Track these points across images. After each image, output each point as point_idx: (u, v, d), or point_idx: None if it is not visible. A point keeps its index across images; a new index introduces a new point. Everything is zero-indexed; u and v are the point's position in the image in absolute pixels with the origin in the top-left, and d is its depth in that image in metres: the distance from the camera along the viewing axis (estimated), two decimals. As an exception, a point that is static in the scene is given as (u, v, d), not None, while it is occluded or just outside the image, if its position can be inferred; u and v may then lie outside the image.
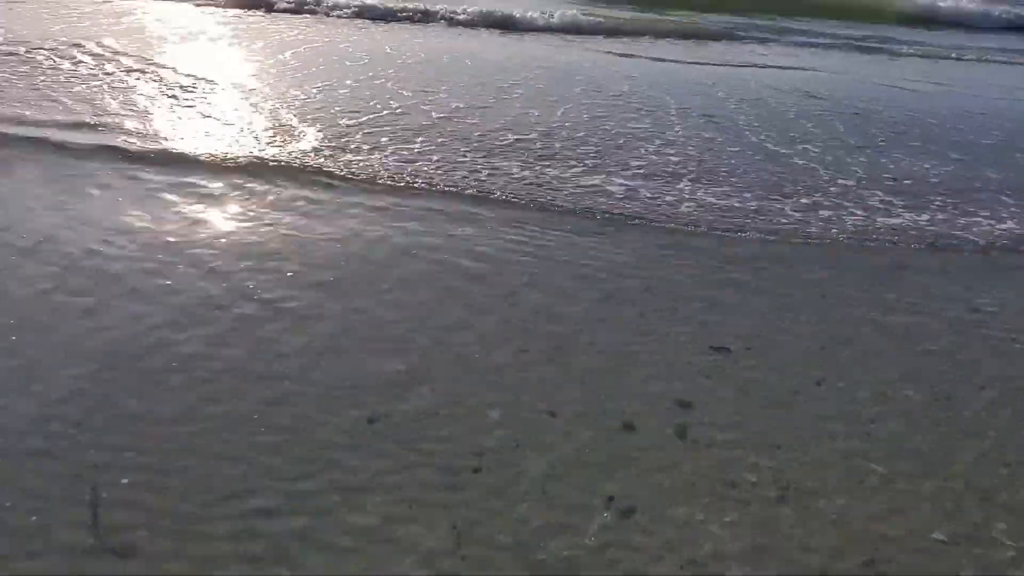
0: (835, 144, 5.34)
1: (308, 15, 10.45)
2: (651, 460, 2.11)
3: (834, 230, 3.81)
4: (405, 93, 5.94)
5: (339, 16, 10.55)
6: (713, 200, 4.09)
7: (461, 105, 5.68)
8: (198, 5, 10.52)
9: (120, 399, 2.22)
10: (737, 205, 4.04)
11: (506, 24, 10.71)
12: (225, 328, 2.60)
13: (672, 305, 2.95)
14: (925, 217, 4.06)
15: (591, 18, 11.24)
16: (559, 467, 2.06)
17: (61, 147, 4.21)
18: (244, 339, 2.55)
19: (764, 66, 8.88)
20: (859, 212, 4.06)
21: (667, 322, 2.83)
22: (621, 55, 9.03)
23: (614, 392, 2.41)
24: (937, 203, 4.28)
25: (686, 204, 4.01)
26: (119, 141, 4.34)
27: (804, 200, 4.17)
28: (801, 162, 4.86)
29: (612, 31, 10.84)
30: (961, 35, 13.32)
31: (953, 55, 10.97)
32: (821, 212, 4.02)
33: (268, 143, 4.52)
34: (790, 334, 2.79)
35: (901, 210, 4.13)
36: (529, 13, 11.33)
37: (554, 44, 9.66)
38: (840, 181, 4.53)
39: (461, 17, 10.86)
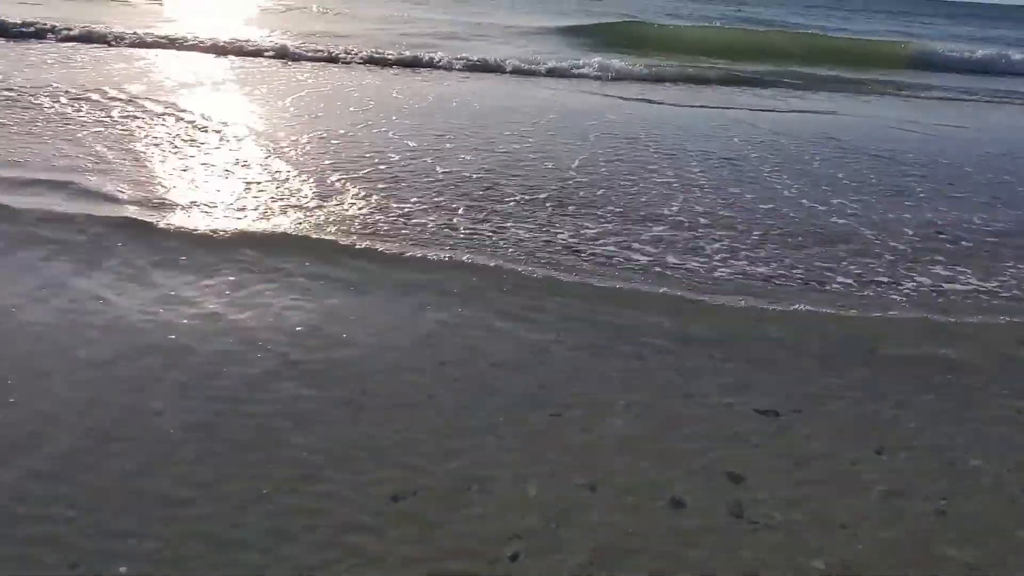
0: (872, 196, 5.14)
1: (313, 61, 10.50)
2: (706, 544, 1.91)
3: (894, 296, 3.52)
4: (410, 144, 5.79)
5: (347, 62, 10.58)
6: (748, 265, 3.79)
7: (468, 157, 5.49)
8: (180, 50, 10.58)
9: (122, 476, 2.03)
10: (781, 272, 3.72)
11: (517, 70, 10.76)
12: (236, 400, 2.42)
13: (712, 365, 2.77)
14: (994, 283, 3.74)
15: (595, 65, 11.28)
16: (605, 553, 1.86)
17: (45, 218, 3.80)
18: (256, 411, 2.37)
19: (783, 110, 8.85)
20: (923, 279, 3.73)
21: (707, 383, 2.64)
22: (632, 99, 9.02)
23: (658, 462, 2.21)
24: (1008, 270, 3.94)
25: (720, 269, 3.71)
26: (95, 209, 3.97)
27: (854, 268, 3.84)
28: (841, 221, 4.57)
29: (618, 76, 10.88)
30: (967, 79, 13.39)
31: (963, 97, 10.98)
32: (878, 278, 3.71)
33: (258, 208, 4.16)
34: (840, 397, 2.60)
35: (970, 277, 3.80)
36: (539, 59, 11.40)
37: (560, 88, 9.67)
38: (892, 244, 4.20)
39: (470, 62, 10.92)
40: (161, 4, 17.69)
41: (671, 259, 3.81)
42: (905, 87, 11.63)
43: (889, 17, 39.77)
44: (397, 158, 5.35)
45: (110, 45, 10.55)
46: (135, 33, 11.25)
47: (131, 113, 6.27)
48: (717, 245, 4.04)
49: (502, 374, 2.63)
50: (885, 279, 3.72)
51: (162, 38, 11.09)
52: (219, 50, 10.77)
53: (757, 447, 2.30)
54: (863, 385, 2.69)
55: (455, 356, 2.73)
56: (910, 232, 4.44)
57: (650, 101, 8.97)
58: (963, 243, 4.33)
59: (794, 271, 3.76)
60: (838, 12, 41.87)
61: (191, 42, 10.98)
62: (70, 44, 10.43)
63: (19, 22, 11.14)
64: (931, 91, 11.36)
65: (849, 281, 3.67)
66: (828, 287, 3.59)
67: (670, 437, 2.33)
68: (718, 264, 3.79)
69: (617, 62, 11.54)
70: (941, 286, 3.68)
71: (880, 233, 4.39)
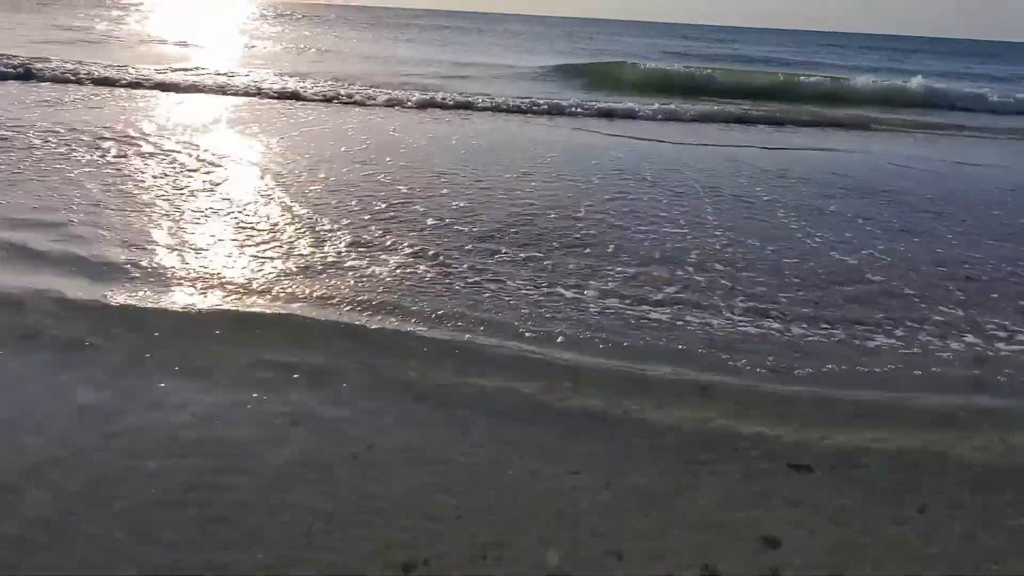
0: (901, 244, 4.88)
1: (313, 102, 10.49)
2: (745, 618, 1.76)
3: (941, 354, 3.26)
4: (402, 189, 5.57)
5: (343, 102, 10.58)
6: (778, 331, 3.42)
7: (463, 204, 5.24)
8: (165, 91, 10.54)
9: (115, 547, 1.88)
10: (820, 338, 3.36)
11: (513, 109, 10.78)
12: (238, 464, 2.28)
13: (736, 412, 2.64)
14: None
15: (593, 104, 11.32)
16: (638, 631, 1.71)
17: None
18: (258, 470, 2.22)
19: (787, 148, 8.84)
20: (975, 339, 3.44)
21: (734, 434, 2.51)
22: (633, 138, 9.01)
23: (686, 523, 2.06)
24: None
25: (744, 328, 3.42)
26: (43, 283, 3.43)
27: (899, 331, 3.48)
28: (876, 277, 4.20)
29: (619, 115, 10.91)
30: (963, 116, 13.52)
31: (962, 133, 11.04)
32: (921, 336, 3.45)
33: (233, 281, 3.58)
34: (874, 449, 2.46)
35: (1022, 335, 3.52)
36: (535, 98, 11.44)
37: (557, 126, 9.67)
38: (941, 308, 3.78)
39: (465, 100, 10.95)
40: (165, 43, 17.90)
41: (691, 317, 3.52)
42: (900, 123, 11.69)
43: (883, 54, 40.49)
44: (383, 206, 5.04)
45: (114, 86, 10.57)
46: (125, 74, 11.29)
47: (103, 158, 6.19)
48: (743, 307, 3.69)
49: (516, 430, 2.49)
50: (928, 336, 3.46)
51: (148, 79, 11.13)
52: (209, 90, 10.80)
53: (793, 506, 2.16)
54: (900, 437, 2.55)
55: (464, 413, 2.59)
56: (950, 285, 4.15)
57: (649, 139, 8.95)
58: (1020, 302, 3.99)
59: (831, 331, 3.46)
60: (827, 49, 42.63)
61: (182, 84, 11.03)
62: (69, 85, 10.44)
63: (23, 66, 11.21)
64: (931, 128, 11.42)
65: (890, 341, 3.39)
66: (867, 345, 3.34)
67: (698, 495, 2.19)
68: (743, 324, 3.49)
69: (616, 102, 11.59)
70: (991, 344, 3.43)
71: (917, 287, 4.10)
